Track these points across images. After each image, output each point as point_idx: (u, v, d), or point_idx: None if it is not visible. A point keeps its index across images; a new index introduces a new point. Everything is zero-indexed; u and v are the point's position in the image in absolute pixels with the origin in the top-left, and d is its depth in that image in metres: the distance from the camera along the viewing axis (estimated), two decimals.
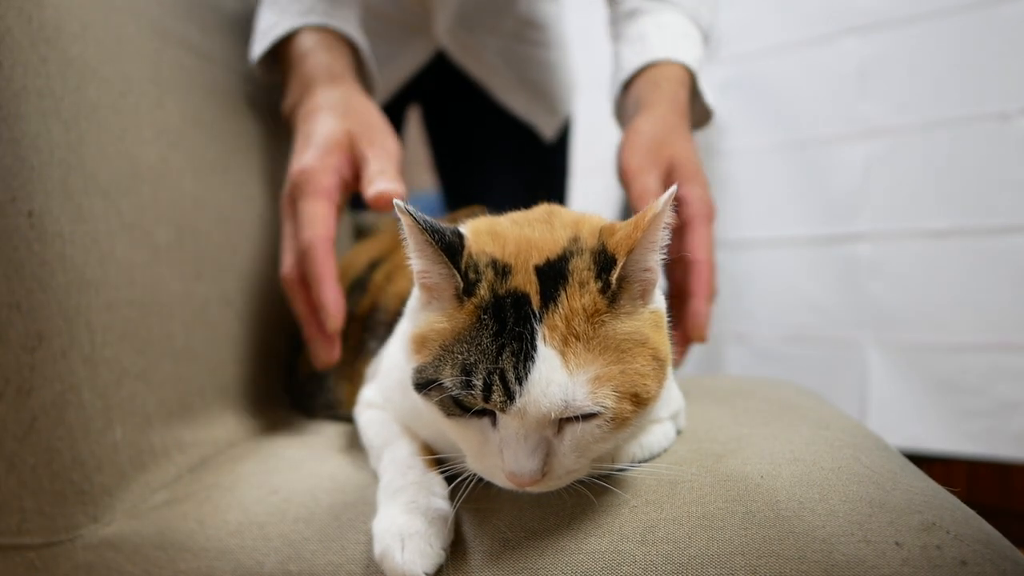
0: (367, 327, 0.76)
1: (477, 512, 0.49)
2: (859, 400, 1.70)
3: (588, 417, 0.42)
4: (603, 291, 0.43)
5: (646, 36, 0.83)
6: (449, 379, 0.42)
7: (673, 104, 0.78)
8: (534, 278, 0.43)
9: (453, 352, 0.43)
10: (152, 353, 0.64)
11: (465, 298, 0.44)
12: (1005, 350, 1.51)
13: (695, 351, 0.76)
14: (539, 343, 0.41)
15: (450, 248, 0.44)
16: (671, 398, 0.57)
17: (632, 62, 0.81)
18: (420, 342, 0.45)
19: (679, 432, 0.59)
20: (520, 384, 0.40)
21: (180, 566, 0.53)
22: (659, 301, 0.48)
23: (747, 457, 0.51)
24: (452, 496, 0.50)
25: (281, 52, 0.83)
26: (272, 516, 0.55)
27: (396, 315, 0.66)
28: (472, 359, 0.41)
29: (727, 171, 1.97)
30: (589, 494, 0.47)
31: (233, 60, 0.88)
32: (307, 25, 0.80)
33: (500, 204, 0.93)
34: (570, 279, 0.43)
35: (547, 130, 1.23)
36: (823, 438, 0.53)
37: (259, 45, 0.82)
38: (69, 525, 0.56)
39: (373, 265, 0.84)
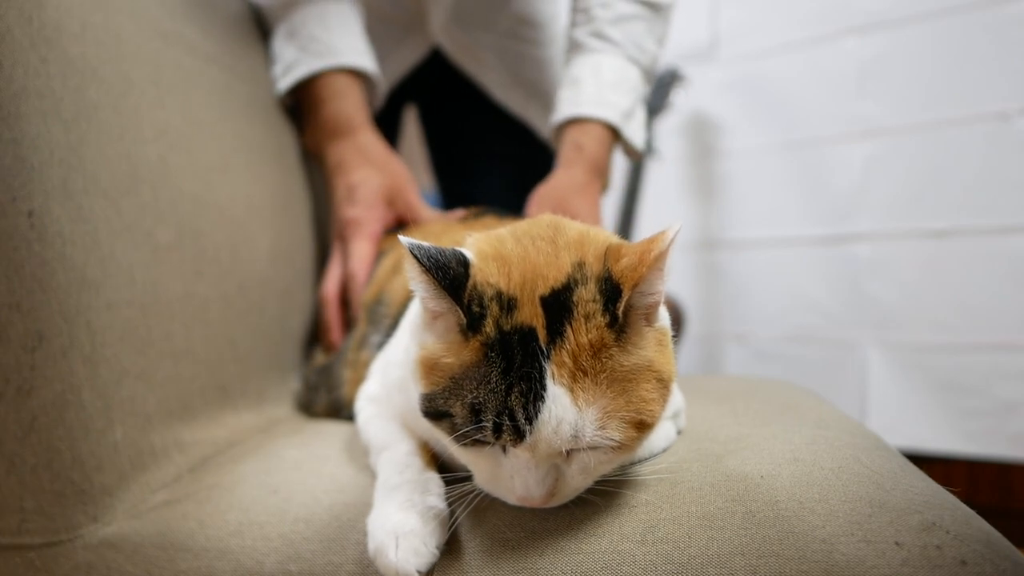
0: (371, 319, 0.76)
1: (476, 511, 0.49)
2: (859, 400, 1.70)
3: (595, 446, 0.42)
4: (610, 325, 0.42)
5: (580, 83, 0.95)
6: (460, 417, 0.42)
7: (589, 164, 0.93)
8: (540, 311, 0.43)
9: (462, 388, 0.42)
10: (152, 353, 0.64)
11: (471, 334, 0.43)
12: (1005, 350, 1.51)
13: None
14: (548, 381, 0.41)
15: (454, 282, 0.43)
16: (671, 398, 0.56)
17: (563, 111, 0.96)
18: (428, 368, 0.45)
19: (679, 432, 0.59)
20: (530, 423, 0.40)
21: (180, 566, 0.53)
22: (663, 319, 0.47)
23: (747, 457, 0.51)
24: (451, 501, 0.49)
25: (302, 85, 0.94)
26: (272, 516, 0.55)
27: (401, 307, 0.66)
28: (481, 398, 0.41)
29: (727, 171, 1.98)
30: (595, 498, 0.47)
31: (233, 60, 0.88)
32: (327, 69, 0.93)
33: (495, 203, 0.95)
34: (576, 312, 0.42)
35: (543, 128, 1.22)
36: (823, 438, 0.53)
37: (283, 81, 0.95)
38: (69, 525, 0.56)
39: (383, 252, 0.88)
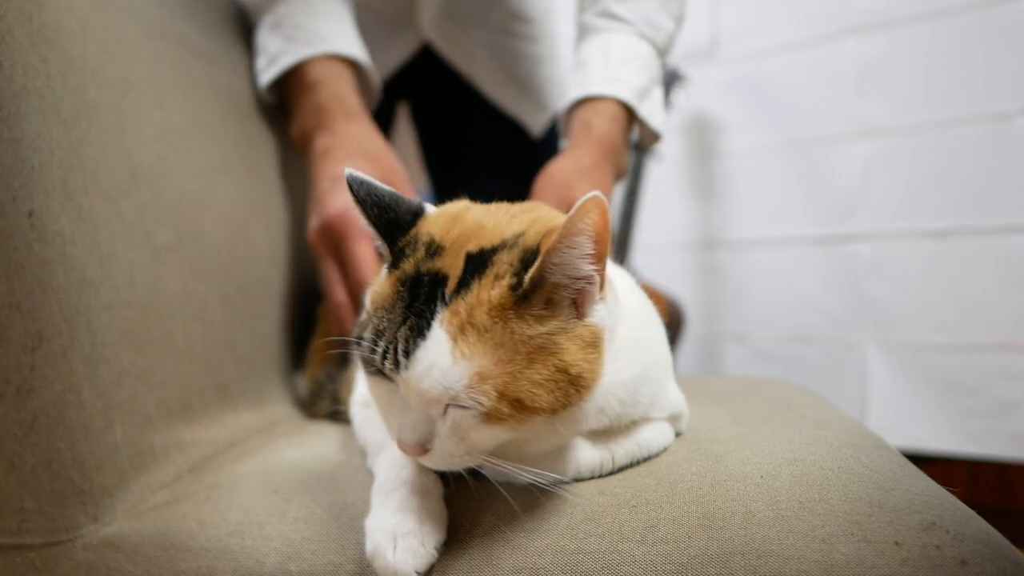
0: None
1: (476, 511, 0.49)
2: (859, 400, 1.70)
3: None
4: (514, 288, 0.43)
5: (587, 64, 0.90)
6: (365, 340, 0.45)
7: (598, 145, 0.86)
8: (461, 263, 0.44)
9: (374, 316, 0.46)
10: (152, 353, 0.64)
11: (392, 270, 0.47)
12: (1005, 350, 1.51)
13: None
14: (435, 323, 0.42)
15: (391, 224, 0.48)
16: (669, 401, 0.56)
17: (571, 94, 0.90)
18: (368, 300, 0.49)
19: (679, 435, 0.59)
20: (407, 357, 0.42)
21: (180, 566, 0.53)
22: (599, 318, 0.45)
23: (747, 457, 0.51)
24: (448, 501, 0.49)
25: (288, 77, 0.88)
26: (272, 516, 0.55)
27: None
28: (383, 326, 0.44)
29: (727, 171, 1.98)
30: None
31: (233, 60, 0.88)
32: (317, 56, 0.87)
33: (488, 201, 0.93)
34: (489, 270, 0.44)
35: (535, 126, 1.21)
36: (823, 438, 0.53)
37: (268, 73, 0.88)
38: (69, 525, 0.56)
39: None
